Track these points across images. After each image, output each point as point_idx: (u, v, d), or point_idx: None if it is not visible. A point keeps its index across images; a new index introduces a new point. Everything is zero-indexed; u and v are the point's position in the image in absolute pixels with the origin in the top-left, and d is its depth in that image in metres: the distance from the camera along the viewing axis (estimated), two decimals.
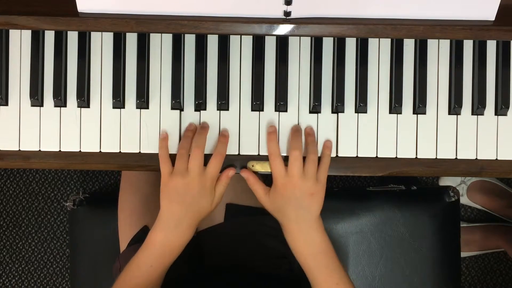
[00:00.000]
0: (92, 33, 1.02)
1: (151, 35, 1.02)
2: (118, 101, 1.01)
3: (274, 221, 1.02)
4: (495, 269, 1.90)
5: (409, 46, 1.03)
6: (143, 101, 1.01)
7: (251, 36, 1.02)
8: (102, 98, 1.02)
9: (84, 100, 1.01)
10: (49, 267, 1.91)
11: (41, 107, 1.02)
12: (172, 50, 1.02)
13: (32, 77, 1.01)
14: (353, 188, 1.85)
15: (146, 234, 1.00)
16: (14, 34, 1.02)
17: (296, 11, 0.92)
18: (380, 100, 1.03)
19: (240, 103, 1.03)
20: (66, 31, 1.01)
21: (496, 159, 1.03)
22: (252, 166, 1.02)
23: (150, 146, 1.02)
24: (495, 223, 1.86)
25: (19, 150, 1.02)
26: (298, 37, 1.02)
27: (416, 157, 1.03)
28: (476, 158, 1.03)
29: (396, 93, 1.02)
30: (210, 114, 1.02)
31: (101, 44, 1.02)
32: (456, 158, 1.03)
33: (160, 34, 1.02)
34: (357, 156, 1.03)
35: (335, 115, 1.02)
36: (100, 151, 1.02)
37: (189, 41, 1.02)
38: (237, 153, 1.02)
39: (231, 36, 1.02)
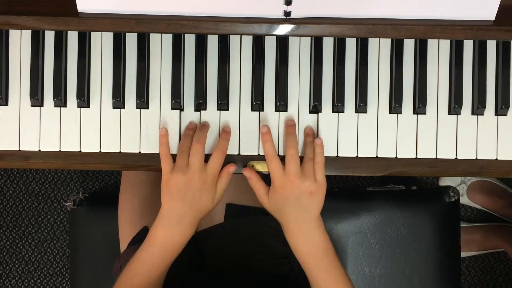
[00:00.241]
0: (92, 33, 1.02)
1: (151, 35, 1.02)
2: (118, 101, 1.01)
3: (275, 221, 1.02)
4: (495, 269, 1.90)
5: (409, 46, 1.03)
6: (143, 101, 1.01)
7: (251, 36, 1.02)
8: (102, 98, 1.02)
9: (84, 100, 1.01)
10: (49, 267, 1.91)
11: (41, 107, 1.02)
12: (172, 50, 1.02)
13: (32, 77, 1.01)
14: (353, 188, 1.85)
15: (146, 234, 1.00)
16: (14, 34, 1.02)
17: (296, 11, 0.92)
18: (380, 100, 1.03)
19: (240, 103, 1.03)
20: (66, 31, 1.01)
21: (496, 159, 1.03)
22: (252, 166, 1.02)
23: (150, 146, 1.02)
24: (495, 223, 1.86)
25: (19, 150, 1.02)
26: (298, 37, 1.02)
27: (416, 157, 1.03)
28: (476, 158, 1.03)
29: (396, 93, 1.02)
30: (210, 114, 1.02)
31: (101, 44, 1.02)
32: (456, 158, 1.03)
33: (160, 34, 1.02)
34: (357, 156, 1.03)
35: (335, 115, 1.02)
36: (100, 151, 1.02)
37: (189, 41, 1.02)
38: (237, 153, 1.02)
39: (231, 36, 1.02)
